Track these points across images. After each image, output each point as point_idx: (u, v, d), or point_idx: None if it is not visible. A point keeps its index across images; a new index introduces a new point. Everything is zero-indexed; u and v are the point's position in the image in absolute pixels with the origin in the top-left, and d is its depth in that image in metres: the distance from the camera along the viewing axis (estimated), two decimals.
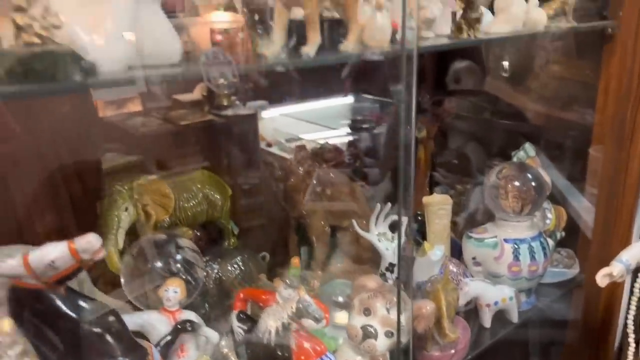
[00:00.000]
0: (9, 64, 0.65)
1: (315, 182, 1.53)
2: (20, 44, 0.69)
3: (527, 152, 1.55)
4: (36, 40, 0.68)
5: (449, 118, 1.76)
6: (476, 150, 1.79)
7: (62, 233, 1.27)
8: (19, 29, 0.69)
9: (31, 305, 0.77)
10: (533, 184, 1.42)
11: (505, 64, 1.81)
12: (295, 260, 1.08)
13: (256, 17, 0.92)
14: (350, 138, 2.17)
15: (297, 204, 1.52)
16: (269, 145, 2.05)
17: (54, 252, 0.75)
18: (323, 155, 1.82)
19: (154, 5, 0.79)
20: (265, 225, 1.66)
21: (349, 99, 2.27)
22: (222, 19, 1.25)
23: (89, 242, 0.76)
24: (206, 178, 1.40)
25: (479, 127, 1.81)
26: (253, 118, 1.72)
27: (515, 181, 1.41)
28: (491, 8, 1.36)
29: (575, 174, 1.71)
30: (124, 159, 1.46)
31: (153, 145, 1.51)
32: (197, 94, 1.63)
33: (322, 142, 2.00)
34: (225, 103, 1.59)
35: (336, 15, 0.97)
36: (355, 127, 2.31)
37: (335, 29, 0.96)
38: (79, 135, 1.33)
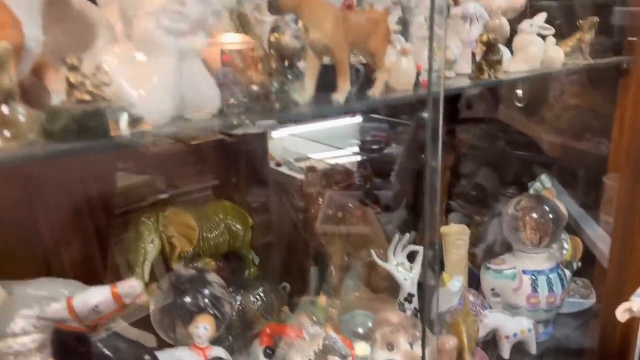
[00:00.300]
0: (63, 122, 0.68)
1: (326, 205, 1.56)
2: (72, 101, 0.72)
3: (543, 184, 1.57)
4: (87, 97, 0.72)
5: (465, 148, 1.79)
6: (491, 179, 1.81)
7: (84, 261, 1.30)
8: (71, 86, 0.72)
9: (74, 348, 0.80)
10: (550, 216, 1.44)
11: (519, 92, 1.84)
12: (322, 298, 1.10)
13: (286, 63, 0.95)
14: (360, 159, 2.19)
15: (317, 233, 1.55)
16: (278, 164, 2.07)
17: (97, 297, 0.78)
18: (333, 176, 1.84)
19: (196, 59, 0.82)
20: (280, 249, 1.69)
21: (357, 119, 2.29)
22: (232, 40, 1.29)
23: (131, 286, 0.78)
24: (228, 208, 1.43)
25: (494, 155, 1.84)
26: (262, 137, 1.75)
27: (533, 213, 1.44)
28: (507, 45, 1.40)
29: (589, 202, 1.73)
30: (135, 178, 1.49)
31: (163, 163, 1.53)
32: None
33: (331, 162, 2.02)
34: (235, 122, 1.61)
35: (363, 61, 1.00)
36: (364, 147, 2.33)
37: (362, 75, 0.99)
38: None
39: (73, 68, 0.72)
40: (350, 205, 1.59)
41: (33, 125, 0.69)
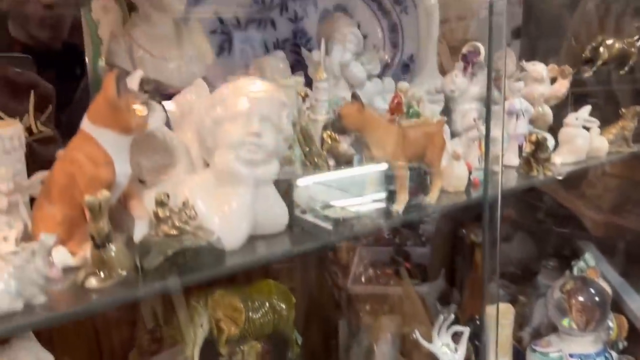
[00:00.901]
0: (157, 261, 0.73)
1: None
2: (160, 234, 0.77)
3: (587, 263, 1.57)
4: (174, 232, 0.77)
5: (507, 223, 1.80)
6: (531, 251, 1.82)
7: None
8: (159, 220, 0.77)
9: None
10: (597, 299, 1.44)
11: None
12: None
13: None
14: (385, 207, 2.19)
15: (359, 311, 1.56)
16: (303, 212, 2.09)
17: None
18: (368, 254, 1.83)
19: (269, 185, 0.87)
20: (318, 324, 1.70)
21: (383, 166, 2.31)
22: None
23: None
24: (272, 288, 1.46)
25: (534, 226, 1.84)
26: (288, 185, 1.79)
27: (580, 296, 1.44)
28: (549, 131, 1.43)
29: (632, 276, 1.72)
30: None
31: None
32: None
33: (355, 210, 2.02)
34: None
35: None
36: (391, 198, 2.34)
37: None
38: None
39: (161, 204, 0.77)
40: (388, 280, 1.61)
41: (127, 263, 0.73)
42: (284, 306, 1.46)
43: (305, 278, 1.64)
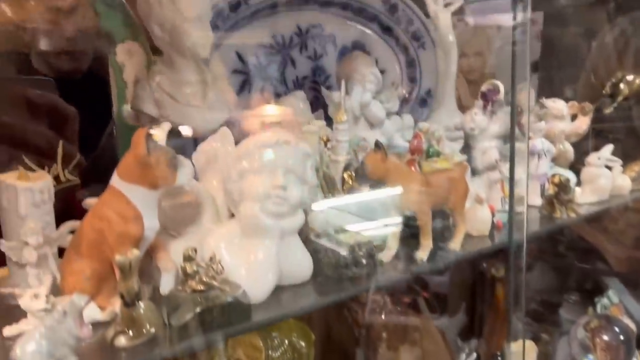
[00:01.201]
0: (185, 319, 0.73)
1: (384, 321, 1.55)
2: (187, 290, 0.77)
3: (610, 300, 1.55)
4: (201, 287, 0.77)
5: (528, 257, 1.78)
6: (553, 286, 1.79)
7: None
8: (187, 276, 0.78)
9: None
10: (621, 337, 1.42)
11: None
12: None
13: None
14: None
15: (378, 347, 1.55)
16: (318, 236, 2.09)
17: None
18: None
19: (294, 235, 0.88)
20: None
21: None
22: (272, 112, 1.36)
23: None
24: (291, 325, 1.45)
25: (555, 260, 1.82)
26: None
27: (604, 335, 1.41)
28: (571, 168, 1.42)
29: None
30: None
31: None
32: None
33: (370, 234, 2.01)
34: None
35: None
36: (408, 224, 2.33)
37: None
38: None
39: (189, 259, 0.78)
40: (407, 312, 1.60)
41: (155, 320, 0.74)
42: (303, 344, 1.45)
43: (324, 314, 1.63)
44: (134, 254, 0.71)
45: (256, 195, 0.83)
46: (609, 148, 1.30)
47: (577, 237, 1.81)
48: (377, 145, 0.94)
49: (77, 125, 1.03)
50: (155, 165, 0.77)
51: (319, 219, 0.98)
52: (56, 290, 0.82)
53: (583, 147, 1.49)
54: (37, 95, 0.97)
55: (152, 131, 0.78)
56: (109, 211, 0.78)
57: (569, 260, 1.81)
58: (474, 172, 1.32)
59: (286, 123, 1.32)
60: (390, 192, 0.96)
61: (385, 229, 0.99)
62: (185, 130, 1.09)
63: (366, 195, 1.00)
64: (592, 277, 1.74)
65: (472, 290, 1.81)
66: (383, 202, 0.98)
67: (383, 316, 1.58)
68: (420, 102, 1.65)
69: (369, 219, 1.02)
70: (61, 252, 0.88)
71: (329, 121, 1.41)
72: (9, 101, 0.92)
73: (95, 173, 1.06)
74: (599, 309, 1.56)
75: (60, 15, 0.91)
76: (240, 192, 0.85)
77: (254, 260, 0.83)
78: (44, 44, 0.89)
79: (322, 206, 1.02)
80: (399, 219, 0.97)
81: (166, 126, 0.84)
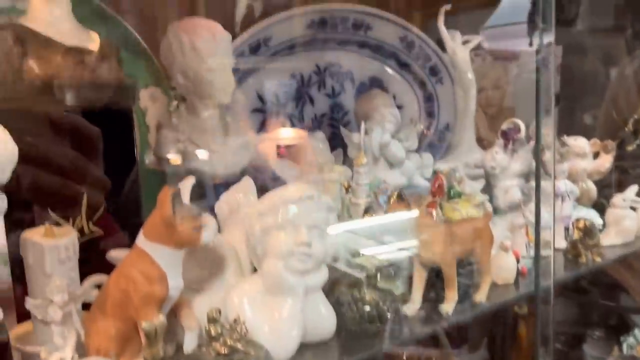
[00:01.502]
0: None
1: None
2: (212, 353, 0.77)
3: (637, 339, 1.51)
4: (225, 351, 0.76)
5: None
6: (577, 321, 1.76)
7: None
8: (211, 338, 0.77)
9: None
10: None
11: None
12: None
13: (392, 271, 0.98)
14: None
15: None
16: (335, 259, 2.08)
17: None
18: None
19: (318, 291, 0.87)
20: None
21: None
22: (286, 135, 1.35)
23: None
24: None
25: (578, 296, 1.79)
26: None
27: None
28: (594, 207, 1.40)
29: None
30: None
31: None
32: None
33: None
34: None
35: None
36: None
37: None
38: None
39: (213, 320, 0.77)
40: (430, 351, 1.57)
41: None
42: None
43: None
44: (160, 320, 0.71)
45: (279, 252, 0.83)
46: (633, 189, 1.28)
47: (601, 272, 1.77)
48: (400, 196, 0.93)
49: (102, 172, 1.04)
50: (180, 226, 0.77)
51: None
52: (80, 346, 0.81)
53: (605, 184, 1.47)
54: (59, 116, 0.96)
55: (176, 190, 0.78)
56: (134, 272, 0.78)
57: (593, 296, 1.77)
58: (496, 211, 1.31)
59: (300, 147, 1.33)
60: (413, 244, 0.95)
61: (408, 280, 0.98)
62: (208, 177, 1.10)
63: (389, 246, 0.99)
64: (616, 313, 1.70)
65: (494, 326, 1.78)
66: (406, 252, 0.97)
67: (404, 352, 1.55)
68: (439, 137, 1.65)
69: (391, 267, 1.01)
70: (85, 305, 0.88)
71: (348, 158, 1.41)
72: (40, 158, 0.93)
73: (119, 220, 1.06)
74: (625, 348, 1.52)
75: (86, 70, 0.92)
76: (264, 249, 0.84)
77: (277, 318, 0.82)
78: (70, 99, 0.90)
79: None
80: (424, 272, 0.96)
81: (189, 182, 0.84)
